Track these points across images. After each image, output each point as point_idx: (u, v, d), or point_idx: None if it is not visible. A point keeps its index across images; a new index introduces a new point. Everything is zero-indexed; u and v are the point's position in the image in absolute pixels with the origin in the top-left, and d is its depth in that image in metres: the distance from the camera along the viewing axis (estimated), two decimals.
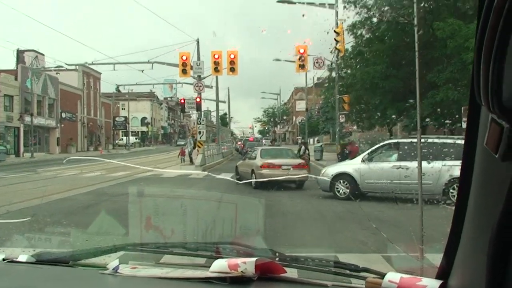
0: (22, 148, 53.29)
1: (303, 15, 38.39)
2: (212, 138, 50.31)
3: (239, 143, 68.97)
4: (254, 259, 1.88)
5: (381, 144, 17.92)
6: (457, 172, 13.12)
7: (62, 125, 63.44)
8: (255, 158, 22.04)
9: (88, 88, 74.88)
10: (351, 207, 13.99)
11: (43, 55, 58.10)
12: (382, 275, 1.83)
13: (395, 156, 16.16)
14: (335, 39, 28.50)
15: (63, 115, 64.81)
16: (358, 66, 31.50)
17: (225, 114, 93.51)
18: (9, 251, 2.34)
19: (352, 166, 16.97)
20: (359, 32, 30.31)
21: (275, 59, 45.08)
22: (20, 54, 56.40)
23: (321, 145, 43.48)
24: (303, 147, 28.32)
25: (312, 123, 69.66)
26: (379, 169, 15.80)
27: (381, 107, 29.99)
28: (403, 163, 14.91)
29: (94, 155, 45.77)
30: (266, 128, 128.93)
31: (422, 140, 15.56)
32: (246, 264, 1.85)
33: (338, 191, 16.46)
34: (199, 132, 35.21)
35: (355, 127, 49.23)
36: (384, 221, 10.89)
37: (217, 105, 46.17)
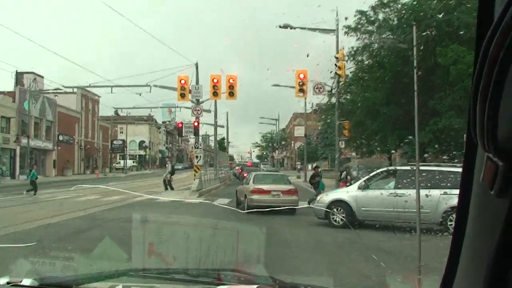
0: (18, 170, 52.87)
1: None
2: (210, 163, 49.86)
3: (236, 168, 68.52)
4: (255, 286, 1.84)
5: (378, 171, 17.79)
6: (455, 201, 13.18)
7: (59, 148, 63.16)
8: (248, 183, 22.30)
9: (87, 111, 74.79)
10: (350, 236, 13.51)
11: (42, 77, 58.07)
12: None
13: (392, 183, 15.84)
14: (335, 64, 28.25)
15: (60, 137, 64.54)
16: (358, 92, 31.30)
17: (223, 138, 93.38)
18: (13, 275, 2.26)
19: (348, 193, 16.67)
20: (359, 58, 30.19)
21: (274, 84, 44.96)
22: (19, 76, 56.28)
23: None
24: (344, 173, 26.74)
25: (310, 148, 69.42)
26: (375, 197, 15.63)
27: (381, 134, 29.70)
28: (400, 191, 14.62)
29: (90, 178, 45.34)
30: (264, 153, 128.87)
31: (420, 168, 15.14)
32: None
33: (334, 219, 16.03)
34: (196, 157, 34.75)
35: (354, 153, 48.99)
36: (384, 251, 10.51)
37: (215, 130, 45.83)
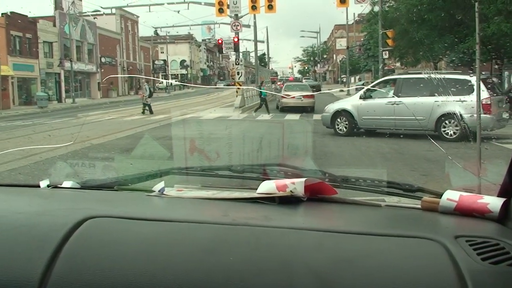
0: (64, 94, 53.94)
1: None
2: (251, 80, 49.49)
3: (278, 83, 68.14)
4: (303, 179, 1.77)
5: (379, 80, 19.18)
6: (448, 108, 14.64)
7: (102, 70, 63.78)
8: (280, 92, 30.61)
9: (126, 32, 74.83)
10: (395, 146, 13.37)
11: (80, 0, 57.89)
12: (439, 195, 1.70)
13: (391, 92, 16.42)
14: None
15: (103, 60, 65.14)
16: None
17: (264, 54, 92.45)
18: (53, 178, 2.24)
19: (351, 102, 17.56)
20: None
21: None
22: (57, 0, 56.28)
23: (363, 84, 42.53)
24: None
25: (353, 61, 68.11)
26: (375, 106, 16.42)
27: (427, 41, 28.74)
28: (397, 99, 15.23)
29: (135, 99, 45.91)
30: (306, 67, 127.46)
31: (416, 76, 16.72)
32: (295, 185, 1.76)
33: (339, 128, 17.12)
34: (238, 73, 34.55)
35: (398, 64, 47.87)
36: (429, 160, 10.25)
37: (256, 45, 45.15)
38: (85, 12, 53.67)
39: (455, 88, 14.33)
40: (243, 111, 28.99)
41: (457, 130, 15.00)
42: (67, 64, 52.13)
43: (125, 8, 52.80)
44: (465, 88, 14.25)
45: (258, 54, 53.68)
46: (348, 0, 29.90)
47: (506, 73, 23.68)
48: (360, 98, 17.21)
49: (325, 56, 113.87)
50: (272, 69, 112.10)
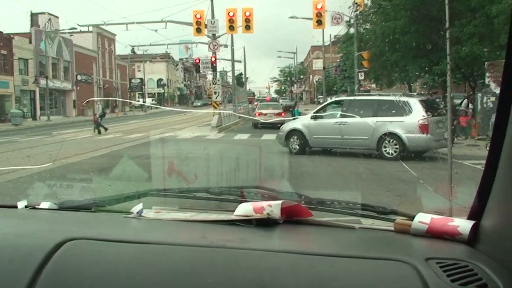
0: (38, 112, 53.30)
1: None
2: (228, 99, 49.55)
3: (255, 103, 68.35)
4: (280, 202, 1.82)
5: (329, 101, 20.77)
6: (388, 128, 15.58)
7: (78, 88, 63.22)
8: (255, 109, 36.57)
9: (103, 49, 74.45)
10: (371, 167, 13.48)
11: (57, 17, 57.65)
12: (411, 217, 1.76)
13: (339, 113, 17.08)
14: None
15: (79, 77, 64.58)
16: (378, 21, 30.52)
17: (241, 74, 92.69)
18: (31, 199, 2.26)
19: (303, 122, 17.96)
20: None
21: (291, 17, 44.05)
22: (33, 17, 55.96)
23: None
24: (465, 101, 23.97)
25: (329, 81, 68.68)
26: (324, 125, 17.07)
27: (401, 64, 29.17)
28: (344, 120, 16.06)
29: (110, 117, 45.61)
30: (283, 88, 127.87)
31: (361, 98, 18.47)
32: (272, 207, 1.80)
33: (293, 147, 17.45)
34: (215, 93, 34.58)
35: (373, 85, 48.42)
36: (404, 180, 10.36)
37: (233, 64, 45.44)
38: (62, 30, 53.26)
39: (395, 109, 15.70)
40: (220, 130, 28.97)
41: (396, 149, 15.63)
42: (42, 81, 51.59)
43: (103, 26, 52.57)
44: (404, 109, 15.44)
45: (236, 74, 53.91)
46: (325, 22, 30.21)
47: (479, 94, 24.12)
48: (311, 118, 17.84)
49: (301, 76, 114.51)
50: (249, 89, 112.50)
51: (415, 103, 15.82)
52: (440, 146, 15.69)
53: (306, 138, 17.29)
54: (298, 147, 17.28)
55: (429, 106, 16.41)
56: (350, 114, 16.06)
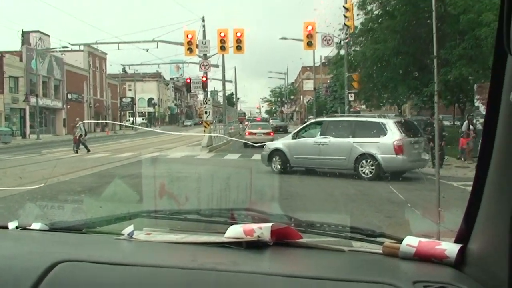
0: (28, 130, 53.04)
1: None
2: (219, 119, 49.62)
3: (246, 123, 68.52)
4: (270, 224, 1.84)
5: (309, 122, 21.12)
6: (364, 148, 15.82)
7: (68, 106, 63.02)
8: (245, 128, 36.65)
9: (94, 68, 74.48)
10: (362, 188, 13.50)
11: (48, 36, 57.72)
12: (399, 240, 1.78)
13: (318, 133, 17.42)
14: (344, 15, 27.71)
15: (69, 96, 64.44)
16: (368, 43, 30.84)
17: (232, 94, 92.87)
18: (22, 220, 2.26)
19: (284, 142, 18.36)
20: (369, 7, 29.62)
21: (282, 37, 44.25)
22: (25, 35, 55.92)
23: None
24: (465, 123, 22.39)
25: (320, 102, 68.99)
26: (304, 145, 17.31)
27: (391, 85, 29.41)
28: (323, 140, 16.61)
29: (101, 136, 45.46)
30: (273, 108, 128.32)
31: (339, 119, 19.03)
32: (262, 229, 1.82)
33: (275, 166, 17.64)
34: (206, 112, 34.61)
35: (363, 106, 48.67)
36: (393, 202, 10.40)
37: (224, 84, 45.56)
38: (53, 48, 53.25)
39: (372, 130, 15.95)
40: (210, 150, 28.94)
41: (372, 169, 15.77)
42: (32, 100, 51.43)
43: (94, 45, 52.66)
44: (380, 130, 15.79)
45: (226, 94, 54.02)
46: (315, 43, 30.44)
47: (467, 116, 24.33)
48: (292, 138, 18.18)
49: (292, 97, 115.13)
50: (240, 109, 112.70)
51: (390, 124, 16.04)
52: (416, 167, 15.89)
53: (287, 158, 17.52)
54: (279, 167, 17.48)
55: (405, 127, 16.58)
56: (327, 136, 16.65)
